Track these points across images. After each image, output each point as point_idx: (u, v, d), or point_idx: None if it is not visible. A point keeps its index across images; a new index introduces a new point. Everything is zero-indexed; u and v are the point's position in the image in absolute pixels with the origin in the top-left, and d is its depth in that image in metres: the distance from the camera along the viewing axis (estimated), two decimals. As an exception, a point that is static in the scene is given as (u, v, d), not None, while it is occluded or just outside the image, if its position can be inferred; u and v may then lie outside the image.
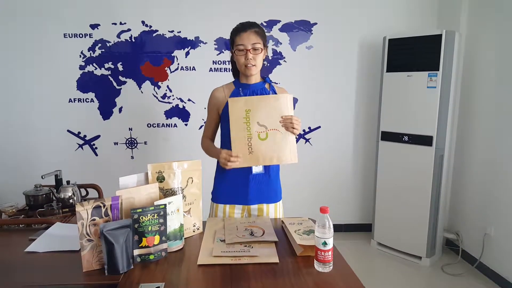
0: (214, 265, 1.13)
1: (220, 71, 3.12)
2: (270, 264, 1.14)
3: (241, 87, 1.63)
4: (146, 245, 1.15)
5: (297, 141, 3.23)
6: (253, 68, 1.55)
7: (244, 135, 1.46)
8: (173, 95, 3.13)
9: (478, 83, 2.79)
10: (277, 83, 3.06)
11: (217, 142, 1.74)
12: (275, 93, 1.65)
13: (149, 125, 3.17)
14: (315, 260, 1.12)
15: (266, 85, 1.66)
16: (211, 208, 1.72)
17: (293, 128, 1.47)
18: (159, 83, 3.10)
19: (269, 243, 1.28)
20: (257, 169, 1.61)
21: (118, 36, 3.00)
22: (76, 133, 3.12)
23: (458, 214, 3.03)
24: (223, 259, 1.16)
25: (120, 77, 3.06)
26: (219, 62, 3.11)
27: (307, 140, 3.30)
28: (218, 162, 1.72)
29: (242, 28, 1.54)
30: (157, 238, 1.16)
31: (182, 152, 3.14)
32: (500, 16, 2.57)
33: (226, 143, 1.65)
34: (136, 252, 1.14)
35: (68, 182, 2.01)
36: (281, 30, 3.11)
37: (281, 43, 3.13)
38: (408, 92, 2.79)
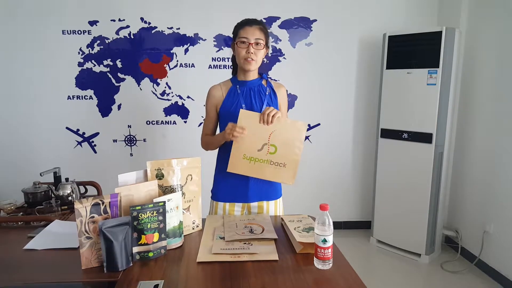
0: (213, 263, 1.13)
1: (219, 68, 3.11)
2: (270, 262, 1.14)
3: (238, 84, 1.62)
4: (145, 242, 1.14)
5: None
6: (253, 63, 1.54)
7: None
8: (172, 92, 3.12)
9: (478, 80, 2.78)
10: (276, 80, 3.08)
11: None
12: (272, 89, 1.64)
13: (148, 122, 3.16)
14: (314, 258, 1.11)
15: (263, 82, 1.65)
16: (211, 206, 1.71)
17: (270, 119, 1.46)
18: (158, 80, 3.09)
19: (269, 240, 1.28)
20: None
21: (117, 32, 2.99)
22: (75, 130, 3.11)
23: (457, 211, 3.03)
24: (222, 256, 1.16)
25: (119, 74, 3.05)
26: (219, 59, 3.10)
27: (306, 138, 3.29)
28: (217, 160, 1.71)
29: (247, 22, 1.55)
30: (156, 236, 1.16)
31: (182, 150, 3.14)
32: (500, 13, 2.56)
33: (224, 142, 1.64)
34: (135, 249, 1.14)
35: (67, 180, 2.00)
36: (280, 26, 3.10)
37: (280, 40, 3.12)
38: (408, 89, 2.78)
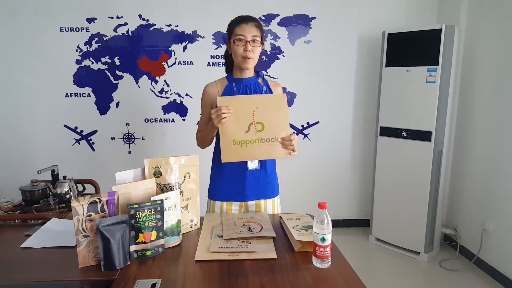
0: (211, 261, 1.13)
1: (218, 65, 3.09)
2: (268, 260, 1.14)
3: (234, 82, 1.61)
4: (143, 240, 1.14)
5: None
6: (250, 61, 1.53)
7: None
8: (170, 90, 3.11)
9: (477, 78, 2.78)
10: (275, 78, 3.07)
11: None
12: (268, 87, 1.63)
13: (146, 120, 3.15)
14: (313, 256, 1.11)
15: (260, 80, 1.64)
16: (208, 205, 1.70)
17: (292, 148, 1.46)
18: (157, 78, 3.08)
19: (267, 238, 1.27)
20: (252, 165, 1.60)
21: (115, 30, 2.98)
22: (73, 128, 3.10)
23: (456, 209, 3.03)
24: (220, 255, 1.15)
25: (117, 72, 3.04)
26: (217, 57, 3.08)
27: (305, 136, 3.29)
28: (214, 158, 1.70)
29: (243, 19, 1.53)
30: (154, 234, 1.15)
31: (180, 148, 3.13)
32: (500, 10, 2.56)
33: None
34: (133, 248, 1.13)
35: (64, 178, 2.00)
36: (279, 24, 3.08)
37: (279, 38, 3.10)
38: (407, 87, 2.78)
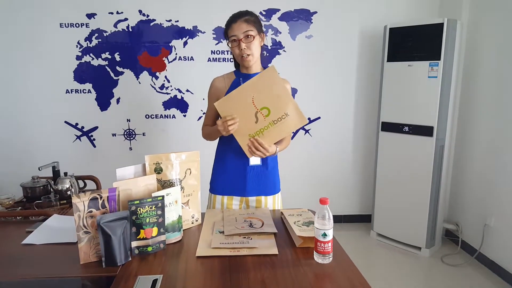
0: (212, 257, 1.12)
1: (218, 61, 3.08)
2: (269, 256, 1.13)
3: (241, 77, 1.60)
4: (144, 237, 1.14)
5: (296, 132, 3.22)
6: (250, 58, 1.52)
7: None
8: (171, 86, 3.10)
9: (479, 72, 2.76)
10: (279, 74, 3.05)
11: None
12: None
13: (147, 116, 3.14)
14: (314, 252, 1.10)
15: None
16: (209, 199, 1.71)
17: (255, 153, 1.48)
18: (157, 74, 3.07)
19: (268, 234, 1.27)
20: (254, 161, 1.60)
21: (115, 25, 2.96)
22: (74, 124, 3.10)
23: (458, 204, 3.03)
24: (222, 250, 1.15)
25: (117, 68, 3.03)
26: (218, 52, 3.07)
27: (306, 131, 3.28)
28: (216, 153, 1.70)
29: (232, 19, 1.52)
30: (155, 230, 1.15)
31: (181, 144, 3.13)
32: (502, 4, 2.53)
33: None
34: (134, 244, 1.13)
35: (65, 174, 1.99)
36: (280, 19, 3.06)
37: (280, 33, 3.09)
38: (409, 82, 2.76)
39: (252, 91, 1.44)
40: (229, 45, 1.54)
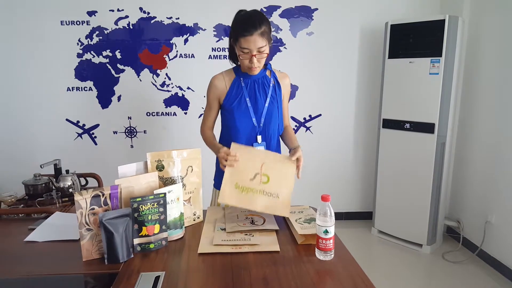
0: (214, 254, 1.13)
1: (219, 58, 3.07)
2: (271, 253, 1.14)
3: (242, 76, 1.59)
4: (146, 234, 1.14)
5: (297, 129, 3.22)
6: (257, 69, 1.51)
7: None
8: (172, 83, 3.10)
9: (481, 69, 2.75)
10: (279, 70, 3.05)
11: (217, 132, 1.71)
12: (276, 80, 1.62)
13: (148, 114, 3.14)
14: (316, 249, 1.11)
15: (267, 72, 1.63)
16: (213, 194, 1.71)
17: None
18: (158, 71, 3.07)
19: (270, 231, 1.28)
20: None
21: (116, 23, 2.96)
22: (75, 122, 3.10)
23: (459, 201, 3.03)
24: (223, 247, 1.16)
25: (118, 65, 3.03)
26: (219, 49, 3.06)
27: (307, 128, 3.27)
28: None
29: (247, 28, 1.40)
30: (157, 227, 1.15)
31: (182, 141, 3.13)
32: (504, 1, 2.52)
33: (227, 132, 1.63)
34: (136, 241, 1.14)
35: (67, 172, 2.00)
36: (281, 16, 3.05)
37: (281, 30, 3.08)
38: (410, 79, 2.75)
39: (269, 159, 1.40)
40: (239, 52, 1.47)
